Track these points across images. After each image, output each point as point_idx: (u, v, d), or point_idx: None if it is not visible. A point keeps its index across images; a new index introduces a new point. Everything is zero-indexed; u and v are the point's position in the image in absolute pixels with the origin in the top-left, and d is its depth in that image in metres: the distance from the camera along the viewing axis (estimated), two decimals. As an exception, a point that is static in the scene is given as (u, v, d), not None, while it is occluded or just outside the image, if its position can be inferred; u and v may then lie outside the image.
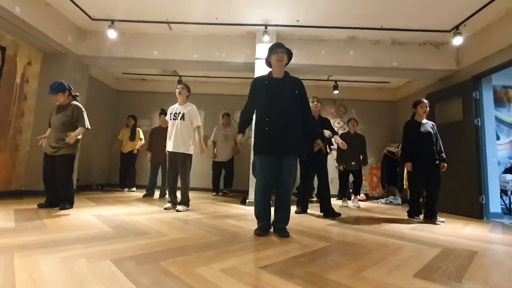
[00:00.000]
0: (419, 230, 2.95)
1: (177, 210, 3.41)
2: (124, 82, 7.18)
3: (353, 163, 4.83)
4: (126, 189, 5.76)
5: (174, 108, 3.63)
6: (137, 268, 1.46)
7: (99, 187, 6.11)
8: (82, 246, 1.82)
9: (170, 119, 3.58)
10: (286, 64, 2.54)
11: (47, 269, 1.40)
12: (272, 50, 2.51)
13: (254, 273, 1.49)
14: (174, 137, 3.48)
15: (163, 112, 4.99)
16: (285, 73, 2.54)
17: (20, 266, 1.41)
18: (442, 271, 1.63)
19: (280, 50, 2.47)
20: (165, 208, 3.50)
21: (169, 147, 3.52)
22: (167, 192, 3.65)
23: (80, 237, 2.06)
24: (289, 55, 2.54)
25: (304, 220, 3.24)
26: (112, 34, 4.39)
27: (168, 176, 3.62)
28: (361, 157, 4.88)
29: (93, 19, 4.46)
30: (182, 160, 3.48)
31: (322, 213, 3.61)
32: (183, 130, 3.48)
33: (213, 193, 5.78)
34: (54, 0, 4.04)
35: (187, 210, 3.49)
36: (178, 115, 3.51)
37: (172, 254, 1.73)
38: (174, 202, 3.59)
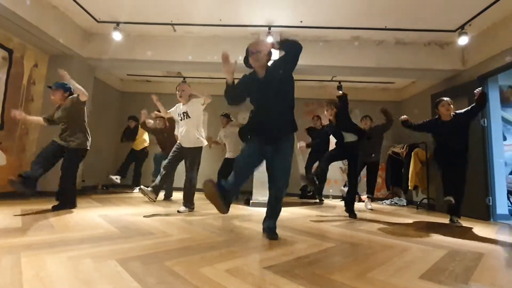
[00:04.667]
0: (424, 231, 2.92)
1: (178, 211, 3.37)
2: (129, 84, 7.23)
3: (373, 155, 4.73)
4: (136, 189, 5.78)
5: (180, 108, 3.61)
6: (143, 268, 1.46)
7: (104, 188, 6.15)
8: (88, 246, 1.83)
9: (180, 119, 3.59)
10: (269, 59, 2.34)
11: (54, 268, 1.41)
12: (246, 51, 2.35)
13: (259, 273, 1.49)
14: (186, 134, 3.50)
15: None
16: (267, 67, 2.33)
17: (27, 266, 1.42)
18: (448, 273, 1.61)
19: (254, 51, 2.28)
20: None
21: (184, 143, 3.53)
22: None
23: (86, 237, 2.07)
24: (269, 51, 2.32)
25: (309, 221, 3.23)
26: (117, 36, 4.43)
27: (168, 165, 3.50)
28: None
29: (98, 22, 4.51)
30: (193, 154, 3.52)
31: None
32: (193, 129, 3.51)
33: None
34: (61, 3, 4.09)
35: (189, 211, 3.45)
36: (185, 115, 3.53)
37: (177, 254, 1.73)
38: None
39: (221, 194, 2.09)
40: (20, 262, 1.47)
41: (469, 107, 3.38)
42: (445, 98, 3.45)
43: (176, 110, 3.68)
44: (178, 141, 3.60)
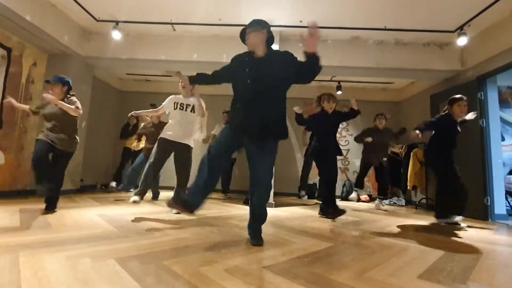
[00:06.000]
0: (423, 231, 2.93)
1: (177, 212, 3.17)
2: (128, 83, 7.22)
3: (384, 159, 4.71)
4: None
5: (179, 99, 3.34)
6: (141, 267, 1.46)
7: (103, 187, 6.14)
8: (86, 245, 1.83)
9: (175, 109, 3.29)
10: (269, 42, 2.13)
11: (52, 268, 1.41)
12: (243, 31, 2.13)
13: (258, 273, 1.49)
14: (183, 128, 3.25)
15: None
16: (268, 50, 2.12)
17: (25, 265, 1.42)
18: (446, 273, 1.61)
19: (248, 30, 2.07)
20: (135, 202, 3.10)
21: (174, 136, 3.22)
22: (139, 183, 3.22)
23: (85, 236, 2.07)
24: (266, 29, 2.08)
25: (308, 221, 3.23)
26: (116, 35, 4.42)
27: (153, 166, 3.21)
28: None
29: (97, 20, 4.50)
30: (188, 153, 3.32)
31: (323, 214, 3.53)
32: (191, 126, 3.35)
33: (223, 195, 5.41)
34: (59, 1, 4.07)
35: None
36: (188, 107, 3.29)
37: (176, 254, 1.73)
38: (142, 194, 3.22)
39: (184, 208, 2.02)
40: (18, 261, 1.47)
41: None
42: (463, 97, 3.21)
43: (170, 102, 3.34)
44: (164, 136, 3.24)
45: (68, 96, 3.11)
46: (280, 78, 2.03)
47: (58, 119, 3.01)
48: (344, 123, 6.81)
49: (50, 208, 3.05)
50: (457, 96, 3.26)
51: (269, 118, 2.01)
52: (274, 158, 2.11)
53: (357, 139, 4.84)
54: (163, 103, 3.43)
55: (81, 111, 3.05)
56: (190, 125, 3.35)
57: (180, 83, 3.36)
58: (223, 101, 6.85)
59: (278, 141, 2.10)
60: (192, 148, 3.38)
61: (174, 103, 3.32)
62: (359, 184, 4.94)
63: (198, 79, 2.34)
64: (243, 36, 2.16)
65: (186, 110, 3.30)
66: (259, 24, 2.09)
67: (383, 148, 4.76)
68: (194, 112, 3.31)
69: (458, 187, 3.22)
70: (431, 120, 3.42)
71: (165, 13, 4.27)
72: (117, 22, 4.41)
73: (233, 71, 2.18)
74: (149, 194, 4.92)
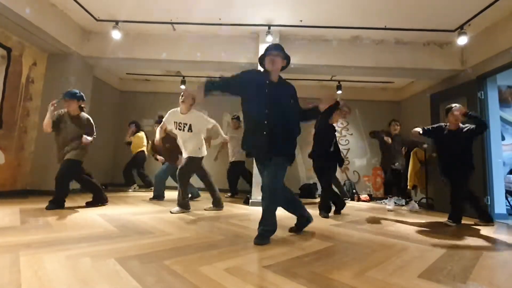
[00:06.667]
0: (423, 231, 2.93)
1: (171, 212, 3.28)
2: (128, 83, 7.22)
3: (396, 163, 4.68)
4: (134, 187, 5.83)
5: (178, 116, 3.46)
6: (141, 267, 1.46)
7: (103, 187, 6.13)
8: (86, 245, 1.83)
9: (176, 129, 3.47)
10: (282, 69, 2.35)
11: (52, 267, 1.41)
12: (266, 51, 2.30)
13: (258, 272, 1.49)
14: (185, 145, 3.48)
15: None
16: (279, 77, 2.36)
17: (26, 264, 1.42)
18: (446, 272, 1.61)
19: (274, 53, 2.25)
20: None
21: (184, 154, 3.55)
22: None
23: (85, 236, 2.07)
24: (287, 59, 2.34)
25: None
26: (116, 35, 4.42)
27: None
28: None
29: (97, 20, 4.50)
30: (188, 161, 3.45)
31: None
32: (193, 141, 3.47)
33: (228, 194, 5.51)
34: (59, 1, 4.07)
35: (182, 212, 3.34)
36: (185, 127, 3.42)
37: (176, 253, 1.73)
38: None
39: None
40: (18, 261, 1.47)
41: (473, 128, 3.30)
42: (457, 105, 3.35)
43: (171, 118, 3.47)
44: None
45: (82, 112, 3.40)
46: (289, 103, 2.28)
47: (72, 136, 3.33)
48: (344, 123, 6.82)
49: (49, 207, 3.11)
50: (451, 105, 3.41)
51: (281, 138, 2.21)
52: (283, 170, 2.24)
53: (375, 135, 4.77)
54: (164, 119, 3.59)
55: (94, 135, 3.45)
56: (192, 141, 3.46)
57: (180, 98, 3.44)
58: (221, 101, 6.87)
59: (287, 158, 2.27)
60: (196, 157, 3.47)
61: (174, 122, 3.47)
62: (388, 191, 4.91)
63: (208, 86, 2.23)
64: (263, 56, 2.32)
65: (183, 130, 3.44)
66: (283, 52, 2.30)
67: (396, 154, 4.71)
68: (191, 131, 3.42)
69: (457, 196, 3.34)
70: (428, 128, 3.55)
71: (165, 12, 4.27)
72: (117, 22, 4.40)
73: (246, 86, 2.27)
74: (143, 194, 4.93)
